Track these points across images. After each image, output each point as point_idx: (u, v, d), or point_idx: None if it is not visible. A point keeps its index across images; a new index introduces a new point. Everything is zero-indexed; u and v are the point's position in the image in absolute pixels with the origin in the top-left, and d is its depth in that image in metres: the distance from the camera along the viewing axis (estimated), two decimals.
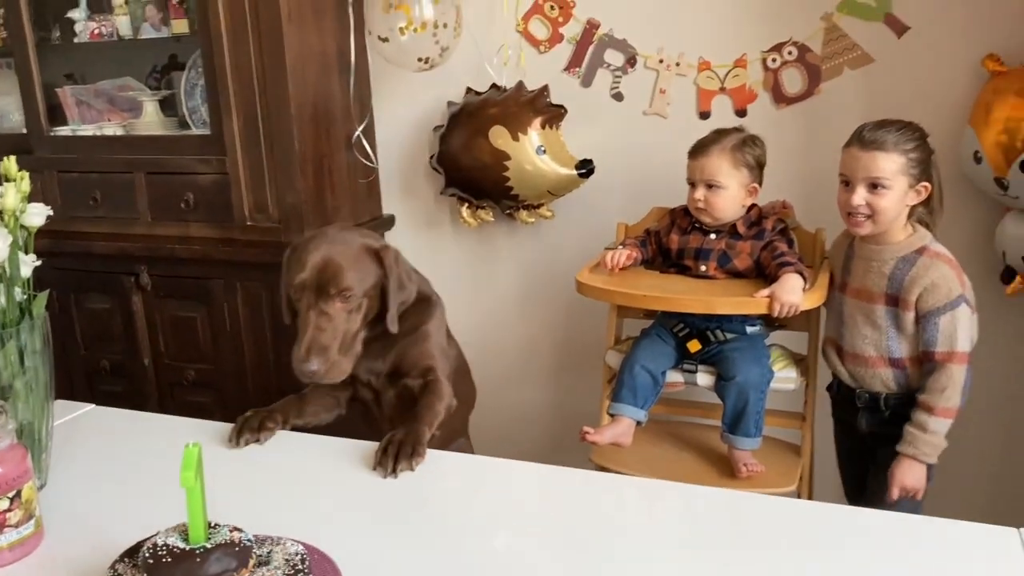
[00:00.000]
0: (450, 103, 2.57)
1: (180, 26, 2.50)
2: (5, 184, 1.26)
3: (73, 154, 2.69)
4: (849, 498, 2.06)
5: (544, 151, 2.39)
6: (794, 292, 1.85)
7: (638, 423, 2.01)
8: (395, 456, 1.36)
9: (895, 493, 1.78)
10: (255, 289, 2.49)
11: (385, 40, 2.34)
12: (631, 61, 2.42)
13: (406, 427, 1.45)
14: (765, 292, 1.87)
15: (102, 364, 2.75)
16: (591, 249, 2.30)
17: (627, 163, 2.47)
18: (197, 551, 0.93)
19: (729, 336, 2.00)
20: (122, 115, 2.87)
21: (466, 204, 2.59)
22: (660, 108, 2.43)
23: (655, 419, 2.11)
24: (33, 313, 1.28)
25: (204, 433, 1.51)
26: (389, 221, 2.79)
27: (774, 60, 2.30)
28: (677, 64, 2.38)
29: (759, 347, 2.02)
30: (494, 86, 2.51)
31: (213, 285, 2.53)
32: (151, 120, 2.72)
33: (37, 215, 1.30)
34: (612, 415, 2.02)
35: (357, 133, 2.62)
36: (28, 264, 1.29)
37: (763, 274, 1.99)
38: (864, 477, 1.94)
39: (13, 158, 1.30)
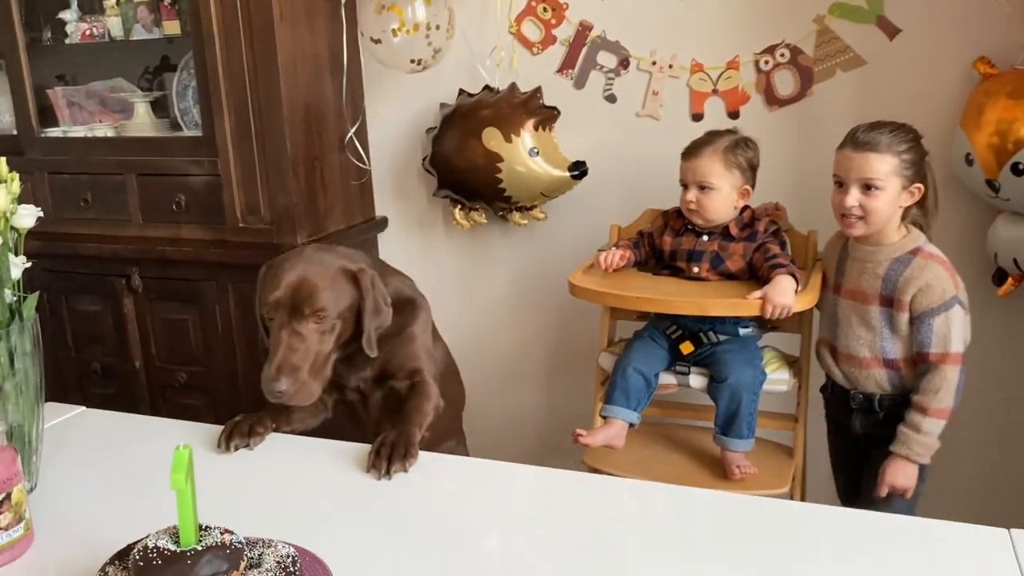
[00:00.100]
0: (443, 105, 2.57)
1: (172, 27, 2.49)
2: None
3: (64, 155, 2.68)
4: (842, 499, 2.06)
5: (537, 153, 2.39)
6: (786, 294, 1.85)
7: (631, 425, 2.01)
8: (388, 458, 1.36)
9: (883, 491, 1.79)
10: (247, 291, 2.47)
11: (378, 41, 2.34)
12: (624, 63, 2.43)
13: (397, 429, 1.45)
14: (757, 294, 1.87)
15: (93, 367, 2.73)
16: (584, 251, 2.30)
17: (620, 165, 2.48)
18: (188, 553, 0.92)
19: (722, 338, 2.01)
20: (113, 116, 2.86)
21: (459, 206, 2.59)
22: (653, 110, 2.43)
23: (648, 421, 2.11)
24: (23, 315, 1.28)
25: (195, 435, 1.50)
26: (382, 223, 2.79)
27: (766, 62, 2.31)
28: (670, 66, 2.38)
29: (752, 349, 2.02)
30: (487, 88, 2.51)
31: (205, 287, 2.52)
32: (143, 121, 2.71)
33: (27, 216, 1.29)
34: (605, 417, 2.02)
35: (350, 135, 2.61)
36: (18, 266, 1.29)
37: (756, 276, 1.99)
38: (857, 478, 1.94)
39: (3, 159, 1.29)
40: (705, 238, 2.05)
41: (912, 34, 2.18)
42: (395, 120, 2.71)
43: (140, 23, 2.55)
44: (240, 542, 0.97)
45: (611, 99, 2.46)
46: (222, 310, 2.51)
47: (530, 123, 2.41)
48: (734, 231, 2.03)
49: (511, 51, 2.51)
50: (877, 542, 1.12)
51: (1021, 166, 1.92)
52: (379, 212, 2.80)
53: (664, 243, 2.10)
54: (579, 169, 2.41)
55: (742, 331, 2.01)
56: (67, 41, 2.64)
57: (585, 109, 2.48)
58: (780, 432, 2.11)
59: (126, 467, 1.42)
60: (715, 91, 2.36)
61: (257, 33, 2.32)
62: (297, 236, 2.42)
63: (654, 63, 2.39)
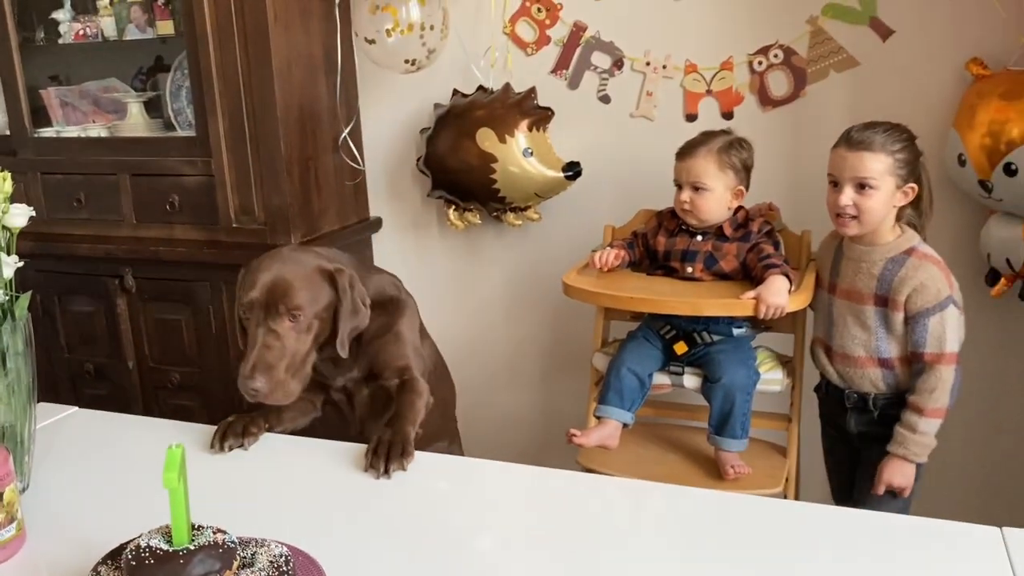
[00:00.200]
0: (437, 105, 2.57)
1: (165, 27, 2.49)
2: None
3: (57, 156, 2.68)
4: (836, 499, 2.07)
5: (531, 153, 2.39)
6: (780, 294, 1.86)
7: (625, 425, 2.01)
8: (386, 457, 1.36)
9: (880, 489, 1.80)
10: None
11: (372, 42, 2.34)
12: (618, 64, 2.43)
13: (392, 428, 1.45)
14: (751, 294, 1.87)
15: (86, 367, 2.73)
16: (578, 251, 2.30)
17: (614, 165, 2.48)
18: (180, 553, 0.92)
19: (716, 338, 2.01)
20: (107, 116, 2.86)
21: (453, 206, 2.59)
22: (647, 110, 2.43)
23: (642, 421, 2.11)
24: (15, 315, 1.28)
25: (187, 435, 1.50)
26: (376, 223, 2.79)
27: (760, 63, 2.31)
28: (664, 67, 2.38)
29: (745, 349, 2.02)
30: (481, 88, 2.51)
31: (198, 287, 2.52)
32: (136, 121, 2.71)
33: (19, 216, 1.29)
34: (599, 417, 2.02)
35: (344, 135, 2.61)
36: (10, 265, 1.29)
37: (749, 276, 1.99)
38: (851, 478, 1.95)
39: None
40: (699, 238, 2.05)
41: (905, 35, 2.18)
42: (389, 120, 2.70)
43: (134, 23, 2.55)
44: (233, 541, 0.97)
45: (605, 100, 2.46)
46: (215, 311, 2.51)
47: (524, 124, 2.41)
48: (728, 231, 2.03)
49: (505, 51, 2.51)
50: (871, 541, 1.12)
51: (1013, 167, 1.92)
52: (373, 213, 2.80)
53: (658, 243, 2.10)
54: (573, 170, 2.41)
55: (736, 331, 2.02)
56: (60, 41, 2.63)
57: (579, 110, 2.48)
58: (774, 432, 2.12)
59: (118, 467, 1.41)
60: (709, 92, 2.37)
61: (251, 33, 2.32)
62: (291, 236, 2.42)
63: (648, 64, 2.40)
